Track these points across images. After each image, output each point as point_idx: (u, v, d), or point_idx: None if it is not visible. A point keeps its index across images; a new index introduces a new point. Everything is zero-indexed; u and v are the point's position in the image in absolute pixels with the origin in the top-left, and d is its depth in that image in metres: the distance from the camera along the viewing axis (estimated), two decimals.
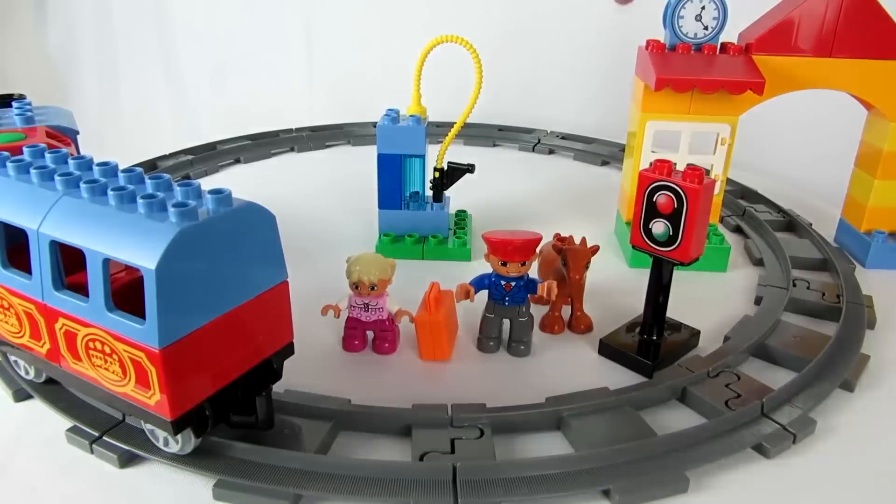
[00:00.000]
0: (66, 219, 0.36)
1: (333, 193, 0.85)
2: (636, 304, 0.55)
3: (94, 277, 0.35)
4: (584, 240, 0.55)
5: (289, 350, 0.43)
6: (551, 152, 1.05)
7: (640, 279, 0.54)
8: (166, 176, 0.38)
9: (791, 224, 0.77)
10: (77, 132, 0.62)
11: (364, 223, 0.73)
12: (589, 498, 0.40)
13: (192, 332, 0.35)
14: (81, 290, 0.37)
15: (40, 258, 0.37)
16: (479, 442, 0.42)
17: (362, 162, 0.81)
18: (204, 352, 0.36)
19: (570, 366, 0.52)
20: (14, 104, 0.61)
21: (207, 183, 0.91)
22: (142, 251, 0.33)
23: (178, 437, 0.39)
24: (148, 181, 0.38)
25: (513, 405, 0.45)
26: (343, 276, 0.51)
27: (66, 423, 0.43)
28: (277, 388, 0.47)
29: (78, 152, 0.60)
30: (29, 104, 0.62)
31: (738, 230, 0.77)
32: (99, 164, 0.40)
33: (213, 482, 0.39)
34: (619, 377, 0.50)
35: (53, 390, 0.46)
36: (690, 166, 0.48)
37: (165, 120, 1.42)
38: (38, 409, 0.45)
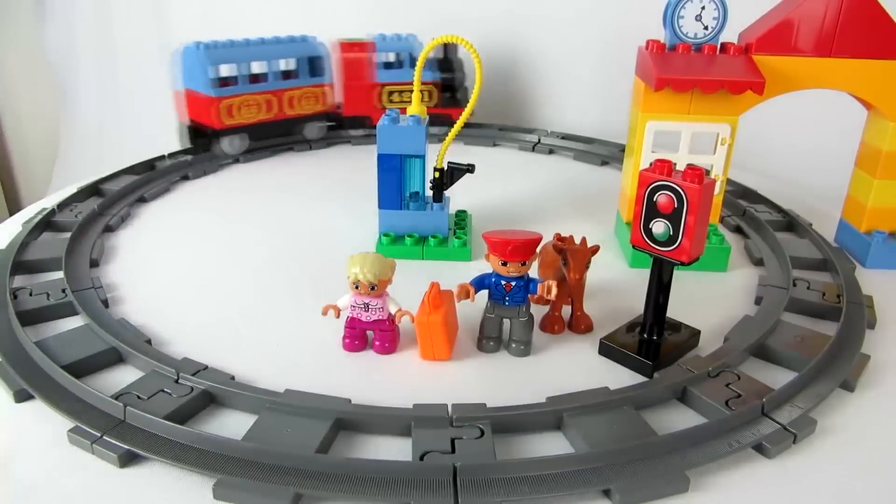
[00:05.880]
0: None
1: (333, 193, 0.85)
2: (636, 304, 0.55)
3: None
4: (584, 240, 0.55)
5: None
6: (551, 152, 1.05)
7: (640, 279, 0.54)
8: None
9: (791, 224, 0.77)
10: None
11: (364, 223, 0.73)
12: (589, 498, 0.40)
13: None
14: None
15: None
16: (479, 442, 0.42)
17: (362, 162, 0.81)
18: None
19: (570, 366, 0.52)
20: None
21: (208, 182, 0.91)
22: None
23: None
24: None
25: (513, 405, 0.45)
26: (343, 277, 0.51)
27: (67, 423, 0.44)
28: (277, 388, 0.47)
29: None
30: None
31: (738, 230, 0.77)
32: None
33: (214, 482, 0.39)
34: (619, 377, 0.50)
35: (54, 391, 0.46)
36: (690, 166, 0.48)
37: (165, 120, 1.42)
38: (39, 410, 0.45)
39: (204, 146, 0.97)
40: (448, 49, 1.06)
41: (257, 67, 0.97)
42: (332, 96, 1.05)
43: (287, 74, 1.00)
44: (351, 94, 1.05)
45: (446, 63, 1.06)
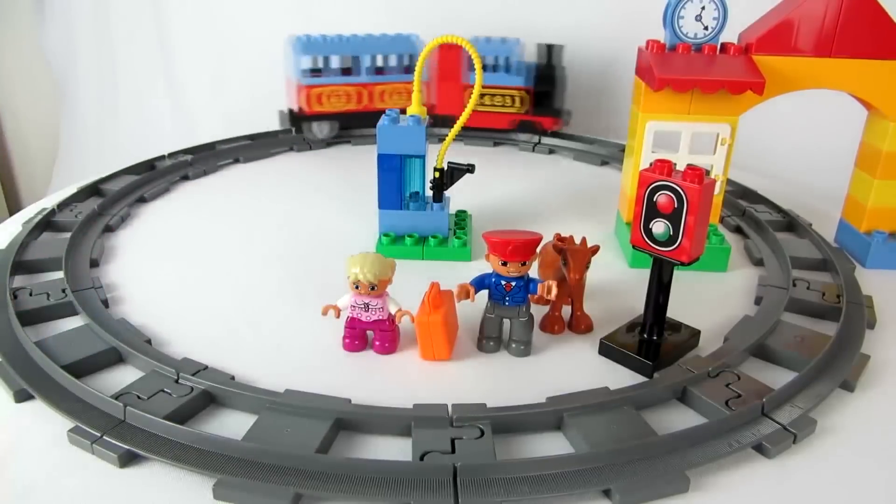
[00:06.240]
0: None
1: (333, 193, 0.85)
2: (636, 304, 0.55)
3: None
4: (584, 240, 0.55)
5: None
6: (551, 152, 1.05)
7: (640, 279, 0.54)
8: None
9: (791, 224, 0.77)
10: None
11: (364, 223, 0.73)
12: (589, 498, 0.40)
13: None
14: None
15: None
16: (480, 442, 0.42)
17: (362, 162, 0.81)
18: None
19: (570, 366, 0.52)
20: None
21: (208, 182, 0.91)
22: None
23: None
24: None
25: (513, 405, 0.45)
26: (343, 276, 0.51)
27: (67, 423, 0.44)
28: (277, 388, 0.47)
29: None
30: None
31: (738, 230, 0.77)
32: None
33: (214, 482, 0.39)
34: (619, 377, 0.50)
35: (54, 391, 0.46)
36: (690, 166, 0.48)
37: (164, 120, 1.42)
38: (39, 410, 0.45)
39: (299, 129, 1.06)
40: (552, 55, 1.04)
41: (348, 61, 1.05)
42: (425, 94, 1.07)
43: (381, 70, 1.06)
44: (443, 93, 1.07)
45: (549, 69, 1.04)
